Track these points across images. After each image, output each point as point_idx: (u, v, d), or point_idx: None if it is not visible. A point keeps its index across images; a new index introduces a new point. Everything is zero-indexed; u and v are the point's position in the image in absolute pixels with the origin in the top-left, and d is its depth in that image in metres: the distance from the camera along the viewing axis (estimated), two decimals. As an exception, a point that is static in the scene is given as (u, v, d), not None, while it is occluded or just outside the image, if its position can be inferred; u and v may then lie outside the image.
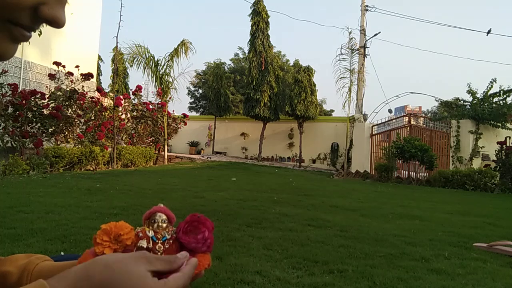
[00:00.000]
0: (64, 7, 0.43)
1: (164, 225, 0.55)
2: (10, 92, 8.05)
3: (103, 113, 10.26)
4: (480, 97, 11.55)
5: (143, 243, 0.52)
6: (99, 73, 21.28)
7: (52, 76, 9.43)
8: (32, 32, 0.42)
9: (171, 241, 0.54)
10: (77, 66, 9.75)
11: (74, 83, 9.64)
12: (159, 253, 0.53)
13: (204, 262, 0.54)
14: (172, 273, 0.47)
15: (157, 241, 0.53)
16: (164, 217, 0.56)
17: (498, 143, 10.30)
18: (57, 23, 0.42)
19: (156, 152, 13.15)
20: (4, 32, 0.40)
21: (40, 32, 6.67)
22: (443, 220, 4.71)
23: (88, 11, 12.34)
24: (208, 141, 20.42)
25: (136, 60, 12.54)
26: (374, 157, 14.27)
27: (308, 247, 3.05)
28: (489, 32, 15.02)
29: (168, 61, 12.64)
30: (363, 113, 15.50)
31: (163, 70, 12.71)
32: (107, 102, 11.21)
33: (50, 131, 8.71)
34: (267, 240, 3.20)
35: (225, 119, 19.55)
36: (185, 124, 14.79)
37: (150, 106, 12.80)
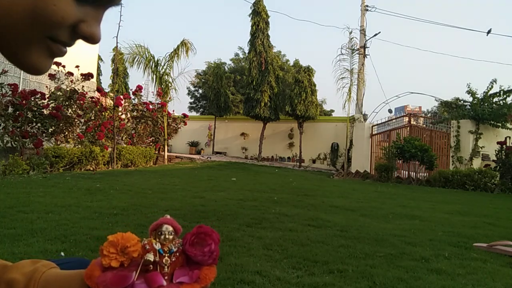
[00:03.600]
0: (100, 24, 0.44)
1: (171, 237, 0.55)
2: (10, 92, 8.05)
3: (103, 113, 10.26)
4: (480, 97, 11.54)
5: (150, 257, 0.52)
6: (99, 73, 21.28)
7: (52, 76, 9.43)
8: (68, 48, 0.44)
9: (177, 254, 0.54)
10: (77, 66, 9.75)
11: (74, 83, 9.64)
12: (165, 267, 0.53)
13: (210, 276, 0.54)
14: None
15: (164, 254, 0.53)
16: (170, 229, 0.55)
17: (498, 143, 10.30)
18: (94, 39, 0.43)
19: (156, 152, 13.15)
20: (44, 48, 0.42)
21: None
22: (443, 220, 4.71)
23: (88, 11, 12.33)
24: (208, 141, 20.42)
25: (136, 60, 12.54)
26: (374, 157, 14.27)
27: (308, 247, 3.05)
28: (489, 32, 15.03)
29: (168, 61, 12.64)
30: (363, 113, 15.51)
31: (163, 70, 12.72)
32: (107, 102, 11.21)
33: (50, 131, 8.71)
34: (267, 240, 3.20)
35: (225, 119, 19.55)
36: (185, 124, 14.79)
37: (150, 106, 12.79)
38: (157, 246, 0.53)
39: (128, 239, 0.52)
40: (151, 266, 0.52)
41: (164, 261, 0.52)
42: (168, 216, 0.57)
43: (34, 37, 0.40)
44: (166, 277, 0.52)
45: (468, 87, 11.73)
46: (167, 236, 0.54)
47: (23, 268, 0.56)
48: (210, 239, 0.54)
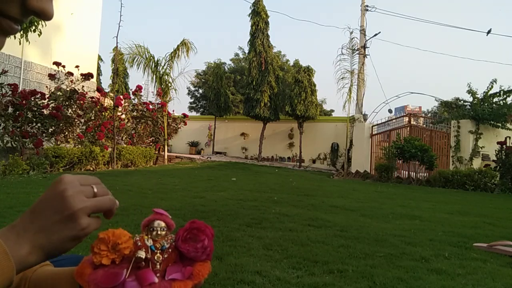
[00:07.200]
0: None
1: (163, 233, 0.54)
2: (10, 92, 8.05)
3: (103, 113, 10.26)
4: (480, 97, 11.55)
5: (142, 254, 0.51)
6: (99, 73, 21.27)
7: (52, 76, 9.43)
8: (20, 26, 0.43)
9: (170, 250, 0.53)
10: (77, 66, 9.76)
11: (74, 83, 9.64)
12: (158, 264, 0.52)
13: (204, 272, 0.53)
14: None
15: (155, 250, 0.52)
16: (163, 224, 0.54)
17: (498, 143, 10.29)
18: (46, 15, 0.42)
19: (156, 152, 13.14)
20: None
21: (40, 32, 6.68)
22: (443, 220, 4.71)
23: (88, 11, 12.34)
24: (208, 141, 20.41)
25: (136, 60, 12.54)
26: (374, 157, 14.26)
27: (308, 247, 3.04)
28: (489, 32, 15.01)
29: (168, 61, 12.64)
30: (363, 113, 15.50)
31: (163, 70, 12.71)
32: (107, 102, 11.21)
33: (50, 131, 8.71)
34: (267, 240, 3.20)
35: (225, 119, 19.55)
36: (185, 124, 14.78)
37: (150, 106, 12.80)
38: (149, 242, 0.52)
39: (119, 236, 0.51)
40: (143, 263, 0.51)
41: (156, 257, 0.52)
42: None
43: None
44: (158, 274, 0.51)
45: (469, 87, 11.74)
46: (159, 232, 0.53)
47: None
48: (203, 235, 0.53)
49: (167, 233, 0.54)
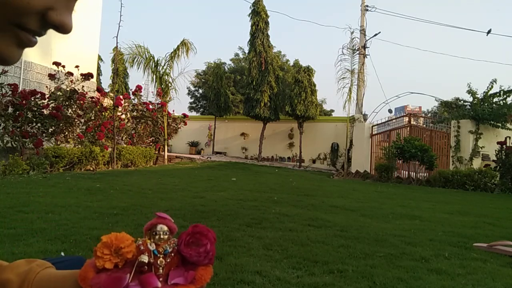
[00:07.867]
0: (72, 13, 0.43)
1: (166, 237, 0.54)
2: (10, 92, 8.05)
3: (103, 113, 10.26)
4: (480, 97, 11.55)
5: (144, 258, 0.51)
6: (99, 73, 21.27)
7: (52, 76, 9.43)
8: (38, 38, 0.42)
9: (172, 254, 0.53)
10: (77, 66, 9.75)
11: (74, 83, 9.64)
12: (160, 268, 0.52)
13: (206, 276, 0.53)
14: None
15: (158, 255, 0.52)
16: (165, 228, 0.54)
17: (498, 143, 10.29)
18: (65, 28, 0.42)
19: (156, 152, 13.14)
20: (12, 36, 0.40)
21: (40, 32, 6.68)
22: (443, 220, 4.71)
23: (88, 11, 12.34)
24: (208, 141, 20.42)
25: (136, 60, 12.54)
26: (374, 157, 14.27)
27: (308, 247, 3.05)
28: (489, 32, 15.01)
29: (168, 61, 12.65)
30: (363, 113, 15.49)
31: (163, 70, 12.72)
32: (107, 102, 11.21)
33: (50, 131, 8.71)
34: (267, 240, 3.20)
35: (225, 119, 19.55)
36: (185, 124, 14.78)
37: (150, 106, 12.80)
38: (152, 246, 0.52)
39: (122, 240, 0.51)
40: (145, 267, 0.51)
41: (158, 262, 0.52)
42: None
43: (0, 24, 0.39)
44: (161, 279, 0.51)
45: (469, 87, 11.75)
46: (161, 236, 0.53)
47: (17, 268, 0.55)
48: (206, 239, 0.53)
49: (169, 237, 0.55)
